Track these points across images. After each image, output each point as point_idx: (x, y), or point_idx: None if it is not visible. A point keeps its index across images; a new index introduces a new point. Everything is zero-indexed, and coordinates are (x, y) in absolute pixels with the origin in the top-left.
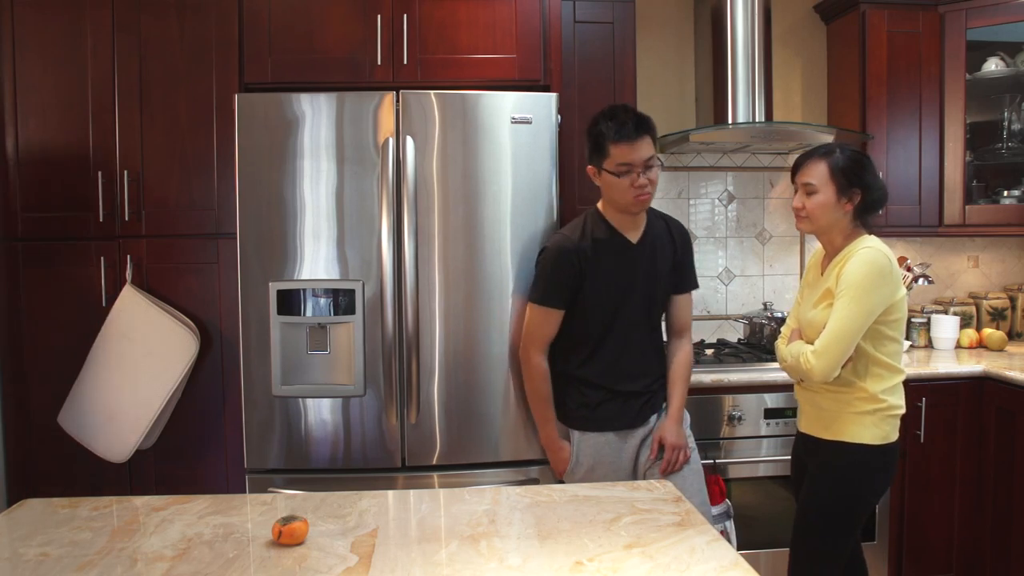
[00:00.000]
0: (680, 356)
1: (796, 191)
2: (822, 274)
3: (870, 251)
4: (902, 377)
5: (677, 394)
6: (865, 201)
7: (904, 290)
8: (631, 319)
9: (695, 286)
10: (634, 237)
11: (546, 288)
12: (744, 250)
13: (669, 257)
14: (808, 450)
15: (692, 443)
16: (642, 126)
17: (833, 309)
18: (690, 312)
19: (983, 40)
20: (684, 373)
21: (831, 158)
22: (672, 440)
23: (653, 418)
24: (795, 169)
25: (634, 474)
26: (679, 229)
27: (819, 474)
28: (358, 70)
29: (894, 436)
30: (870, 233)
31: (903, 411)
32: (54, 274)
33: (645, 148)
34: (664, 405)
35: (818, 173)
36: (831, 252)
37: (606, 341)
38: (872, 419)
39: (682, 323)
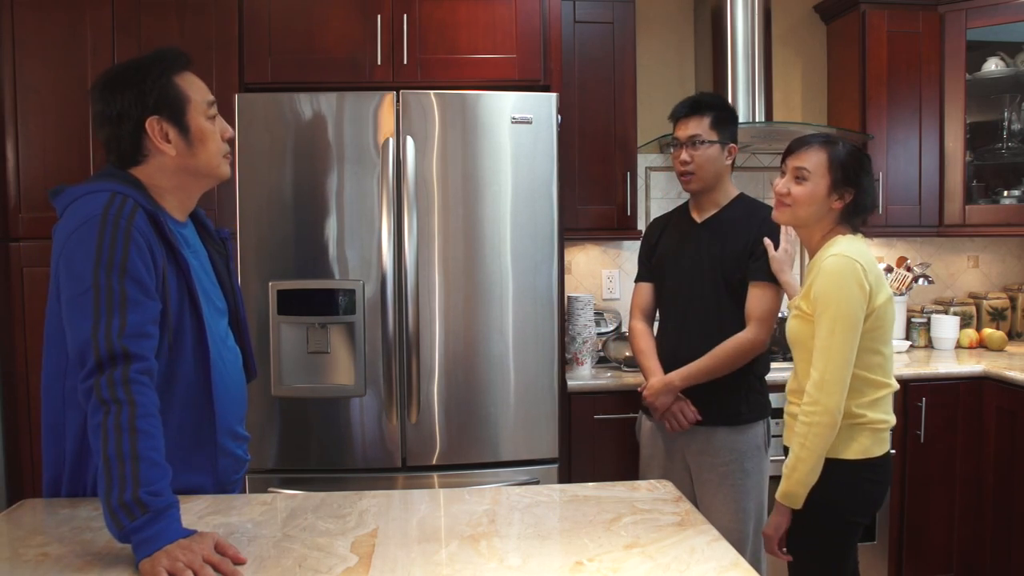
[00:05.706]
0: (728, 340)
1: (784, 175)
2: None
3: (835, 260)
4: (888, 391)
5: (692, 364)
6: (856, 203)
7: (887, 293)
8: (696, 304)
9: (769, 278)
10: (700, 217)
11: (638, 259)
12: None
13: (742, 243)
14: None
15: (746, 465)
16: (697, 107)
17: (816, 339)
18: (761, 304)
19: (983, 40)
20: (717, 352)
21: (833, 148)
22: (645, 393)
23: (705, 426)
24: (789, 151)
25: (691, 482)
26: (763, 216)
27: None
28: (358, 70)
29: (878, 451)
30: (856, 232)
31: (889, 425)
32: None
33: (692, 127)
34: (736, 416)
35: (815, 160)
36: (809, 250)
37: (670, 322)
38: (848, 433)
39: (747, 313)
